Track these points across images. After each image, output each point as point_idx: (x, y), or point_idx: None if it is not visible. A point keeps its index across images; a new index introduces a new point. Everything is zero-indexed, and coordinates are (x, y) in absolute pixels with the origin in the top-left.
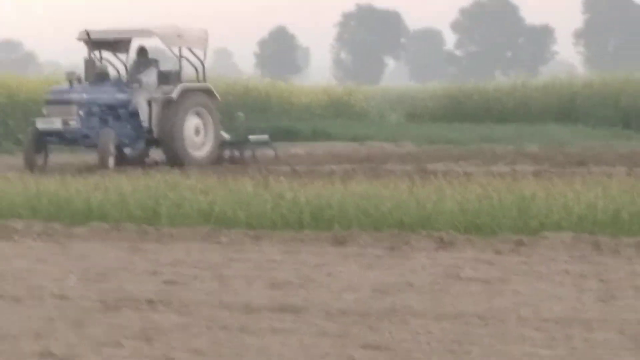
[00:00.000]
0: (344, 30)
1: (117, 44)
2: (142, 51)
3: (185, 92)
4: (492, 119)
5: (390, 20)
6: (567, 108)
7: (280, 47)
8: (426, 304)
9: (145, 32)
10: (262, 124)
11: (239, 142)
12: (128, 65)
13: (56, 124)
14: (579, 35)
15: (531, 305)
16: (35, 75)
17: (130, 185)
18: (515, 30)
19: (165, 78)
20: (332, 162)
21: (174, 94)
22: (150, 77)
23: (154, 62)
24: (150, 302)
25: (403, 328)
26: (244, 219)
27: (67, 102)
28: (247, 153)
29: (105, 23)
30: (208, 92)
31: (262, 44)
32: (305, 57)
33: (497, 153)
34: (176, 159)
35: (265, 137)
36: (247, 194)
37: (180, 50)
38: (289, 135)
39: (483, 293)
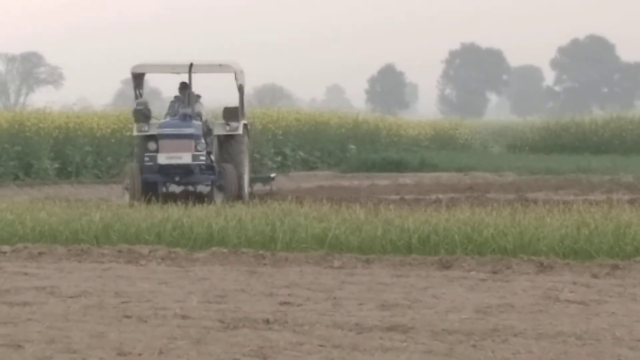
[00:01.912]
0: (449, 67)
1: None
2: (186, 87)
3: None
4: (588, 150)
5: (493, 58)
6: None
7: (389, 84)
8: (526, 325)
9: (225, 67)
10: (372, 155)
11: (262, 177)
12: (174, 101)
13: (184, 158)
14: None
15: (626, 326)
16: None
17: (249, 213)
18: (611, 67)
19: (229, 113)
20: (438, 191)
21: (240, 130)
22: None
23: (198, 97)
24: (266, 321)
25: (505, 347)
26: (355, 244)
27: (186, 137)
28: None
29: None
30: (247, 128)
31: (372, 80)
32: (413, 92)
33: (593, 183)
34: (240, 193)
35: (274, 174)
36: (358, 221)
37: (241, 86)
38: (398, 166)
39: (580, 314)
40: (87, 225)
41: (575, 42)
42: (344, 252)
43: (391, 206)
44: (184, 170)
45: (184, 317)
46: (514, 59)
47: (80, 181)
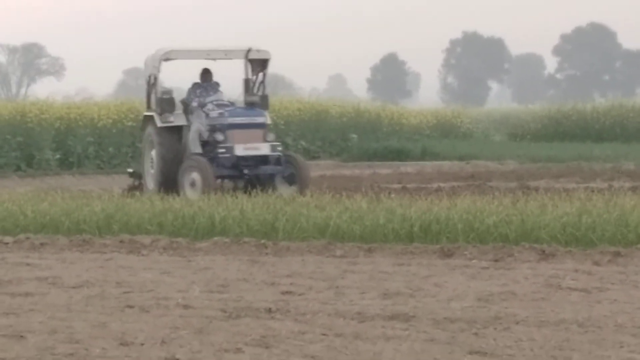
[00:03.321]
0: (450, 56)
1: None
2: (208, 73)
3: None
4: (590, 138)
5: (494, 46)
6: None
7: (391, 73)
8: (528, 312)
9: (263, 53)
10: (374, 144)
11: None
12: (193, 88)
13: (262, 149)
14: None
15: (628, 313)
16: None
17: (250, 202)
18: (612, 55)
19: (252, 103)
20: (439, 180)
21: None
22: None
23: (218, 85)
24: (268, 311)
25: (507, 335)
26: (357, 233)
27: (258, 126)
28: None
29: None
30: None
31: (374, 69)
32: (415, 81)
33: (595, 170)
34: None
35: None
36: (360, 210)
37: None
38: (400, 154)
39: (582, 302)
40: (88, 216)
41: (577, 30)
42: (345, 242)
43: (393, 195)
44: (261, 161)
45: (186, 306)
46: (515, 47)
47: (82, 172)
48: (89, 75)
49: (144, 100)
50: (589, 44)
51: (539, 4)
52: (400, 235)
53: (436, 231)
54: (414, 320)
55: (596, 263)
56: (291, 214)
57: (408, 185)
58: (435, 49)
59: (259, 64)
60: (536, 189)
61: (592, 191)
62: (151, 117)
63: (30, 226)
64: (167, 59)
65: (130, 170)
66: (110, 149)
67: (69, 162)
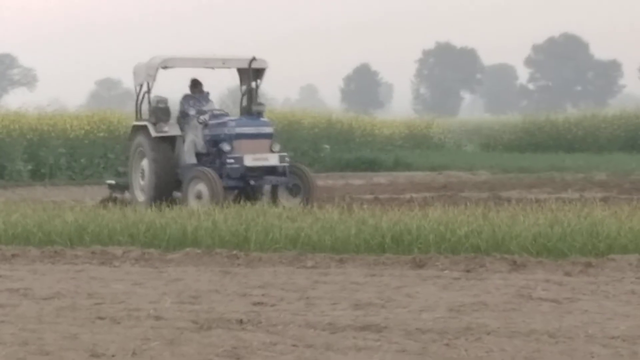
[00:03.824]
0: (423, 66)
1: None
2: (197, 84)
3: None
4: (562, 148)
5: (467, 57)
6: (634, 138)
7: (364, 83)
8: (500, 323)
9: (260, 62)
10: (346, 154)
11: None
12: (186, 99)
13: (271, 160)
14: None
15: (599, 324)
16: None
17: (222, 213)
18: (585, 65)
19: (259, 113)
20: (411, 191)
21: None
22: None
23: (208, 94)
24: (240, 322)
25: (478, 345)
26: (329, 244)
27: (265, 137)
28: None
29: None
30: None
31: (347, 80)
32: (388, 92)
33: (567, 181)
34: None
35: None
36: (332, 220)
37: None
38: (372, 165)
39: (553, 312)
40: (60, 227)
41: (550, 41)
42: (317, 252)
43: (365, 206)
44: (269, 172)
45: (157, 318)
46: (488, 58)
47: (54, 183)
48: (62, 86)
49: (120, 110)
50: (561, 54)
51: (512, 15)
52: (372, 246)
53: (408, 242)
54: (385, 331)
55: (567, 273)
56: (263, 225)
57: (380, 196)
58: (408, 59)
59: (256, 74)
60: (508, 200)
61: (564, 202)
62: (141, 127)
63: (2, 237)
64: (165, 67)
65: (110, 181)
66: (83, 160)
67: (40, 173)
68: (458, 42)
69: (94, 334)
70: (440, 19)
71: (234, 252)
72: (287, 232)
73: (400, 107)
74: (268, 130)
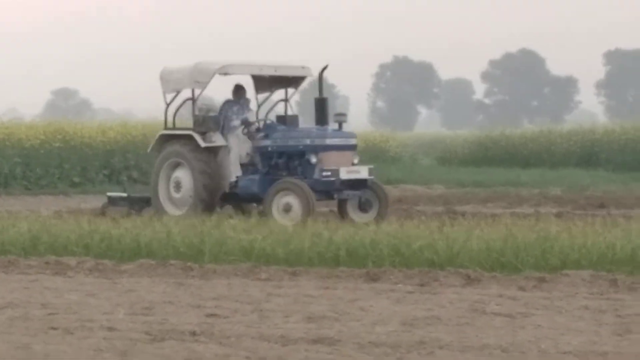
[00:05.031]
0: (380, 80)
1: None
2: (242, 90)
3: None
4: (518, 163)
5: (424, 71)
6: (589, 154)
7: None
8: (453, 337)
9: (306, 70)
10: None
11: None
12: (229, 105)
13: (362, 172)
14: (601, 86)
15: (552, 339)
16: (89, 121)
17: (177, 225)
18: (541, 81)
19: (284, 122)
20: None
21: None
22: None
23: (248, 101)
24: (193, 333)
25: (431, 359)
26: (283, 256)
27: (350, 148)
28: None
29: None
30: None
31: (303, 92)
32: (344, 105)
33: (522, 196)
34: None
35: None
36: (286, 233)
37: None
38: None
39: (506, 327)
40: (14, 237)
41: (507, 55)
42: (270, 265)
43: (320, 218)
44: (361, 185)
45: (110, 329)
46: (445, 72)
47: (9, 192)
48: (17, 96)
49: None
50: (518, 69)
51: (469, 30)
52: (326, 259)
53: (362, 255)
54: (338, 344)
55: (521, 288)
56: (217, 236)
57: (335, 209)
58: (365, 72)
59: (298, 82)
60: (463, 214)
61: (518, 217)
62: (172, 135)
63: None
64: (225, 74)
65: (117, 194)
66: (38, 170)
67: None
68: (415, 56)
69: (47, 344)
70: (398, 32)
71: (188, 263)
72: (242, 244)
73: (356, 120)
74: (353, 142)
